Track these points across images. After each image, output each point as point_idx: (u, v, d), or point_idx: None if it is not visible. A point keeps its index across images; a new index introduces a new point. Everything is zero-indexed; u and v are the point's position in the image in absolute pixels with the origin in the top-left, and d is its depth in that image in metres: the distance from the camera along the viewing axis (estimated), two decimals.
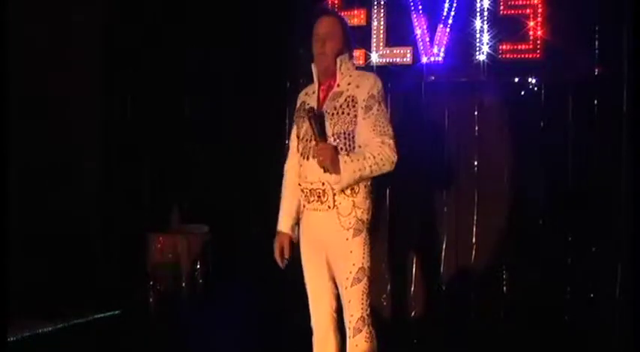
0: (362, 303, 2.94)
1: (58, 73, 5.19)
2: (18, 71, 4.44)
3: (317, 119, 2.90)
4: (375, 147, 2.87)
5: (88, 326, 4.89)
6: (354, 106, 2.92)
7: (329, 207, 2.92)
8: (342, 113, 2.92)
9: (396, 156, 2.89)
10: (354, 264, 2.93)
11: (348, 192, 2.91)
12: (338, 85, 2.99)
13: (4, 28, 3.81)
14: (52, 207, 5.10)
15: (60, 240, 5.10)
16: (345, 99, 2.94)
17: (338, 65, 2.99)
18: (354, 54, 3.23)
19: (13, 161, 4.20)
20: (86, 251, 5.32)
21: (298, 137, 3.09)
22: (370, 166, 2.85)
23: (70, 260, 5.11)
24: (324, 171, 2.86)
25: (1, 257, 3.58)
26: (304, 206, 3.03)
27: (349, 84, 2.98)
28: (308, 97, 3.11)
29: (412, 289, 5.00)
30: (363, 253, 2.94)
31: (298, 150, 3.07)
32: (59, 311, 4.84)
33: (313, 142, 2.92)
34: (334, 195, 2.91)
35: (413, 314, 5.01)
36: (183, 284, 5.17)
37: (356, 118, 2.92)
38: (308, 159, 2.96)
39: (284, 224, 3.16)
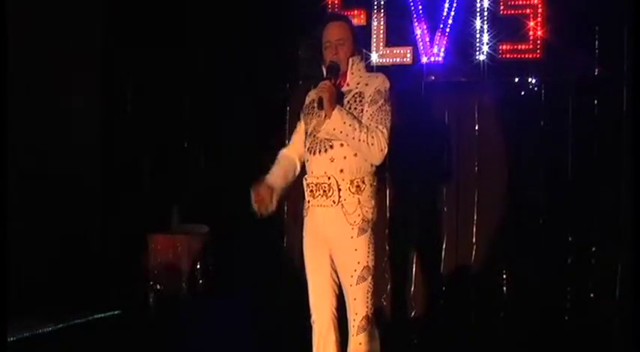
0: (367, 302, 2.96)
1: (57, 73, 5.19)
2: (18, 69, 4.44)
3: (336, 70, 2.98)
4: (371, 128, 2.90)
5: (88, 326, 4.89)
6: (360, 101, 2.97)
7: (334, 202, 2.94)
8: (350, 109, 2.95)
9: (386, 148, 2.90)
10: (358, 263, 2.94)
11: (354, 188, 2.93)
12: (348, 84, 3.05)
13: (4, 28, 3.82)
14: (52, 207, 5.10)
15: (60, 239, 5.10)
16: (353, 96, 2.99)
17: (350, 65, 3.04)
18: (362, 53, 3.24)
19: (13, 161, 4.20)
20: (86, 251, 5.32)
21: (306, 133, 3.11)
22: (360, 133, 2.86)
23: (70, 260, 5.11)
24: (318, 107, 2.89)
25: (1, 257, 3.58)
26: (309, 202, 3.04)
27: (358, 83, 3.03)
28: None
29: (412, 289, 5.00)
30: (368, 252, 2.96)
31: (305, 145, 3.09)
32: (59, 311, 4.84)
33: (319, 138, 2.93)
34: (339, 190, 2.92)
35: (413, 314, 5.01)
36: (183, 284, 5.16)
37: (362, 113, 2.95)
38: (315, 154, 2.99)
39: (269, 177, 3.14)
